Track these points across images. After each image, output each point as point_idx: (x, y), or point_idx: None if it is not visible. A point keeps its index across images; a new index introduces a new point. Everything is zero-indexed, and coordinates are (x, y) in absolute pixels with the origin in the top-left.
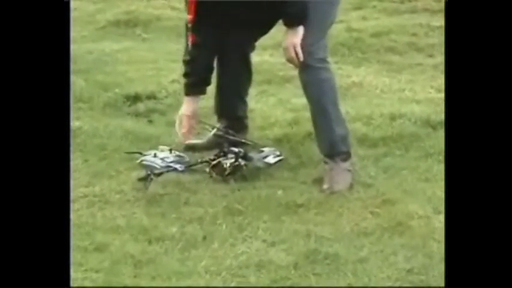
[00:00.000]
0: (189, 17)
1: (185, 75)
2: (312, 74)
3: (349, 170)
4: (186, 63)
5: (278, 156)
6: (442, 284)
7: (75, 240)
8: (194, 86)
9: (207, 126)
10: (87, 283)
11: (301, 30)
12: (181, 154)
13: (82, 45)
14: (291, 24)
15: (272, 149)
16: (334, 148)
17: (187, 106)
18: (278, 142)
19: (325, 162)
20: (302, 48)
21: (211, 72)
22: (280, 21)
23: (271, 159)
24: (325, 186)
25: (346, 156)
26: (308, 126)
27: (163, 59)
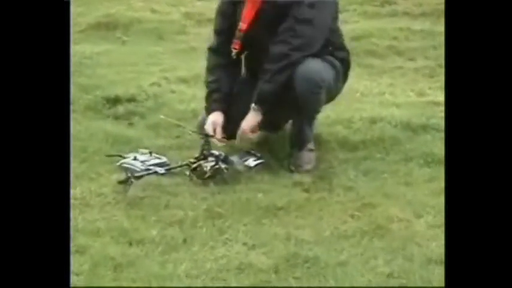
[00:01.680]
0: (235, 46)
1: (210, 92)
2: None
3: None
4: (209, 82)
5: (258, 159)
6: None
7: None
8: (219, 101)
9: (186, 130)
10: None
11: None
12: (161, 157)
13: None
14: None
15: (252, 151)
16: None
17: (217, 116)
18: (258, 145)
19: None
20: None
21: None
22: None
23: (251, 162)
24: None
25: None
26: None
27: (144, 62)
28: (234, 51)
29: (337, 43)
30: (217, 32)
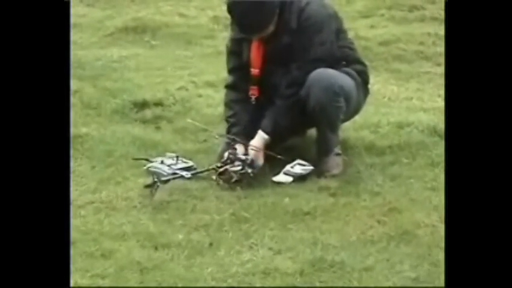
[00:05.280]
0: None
1: (230, 127)
2: None
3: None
4: (228, 117)
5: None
6: None
7: (81, 246)
8: (238, 135)
9: (213, 134)
10: None
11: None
12: (188, 161)
13: (90, 51)
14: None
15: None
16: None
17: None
18: (286, 150)
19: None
20: None
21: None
22: None
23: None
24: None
25: None
26: (314, 134)
27: (171, 66)
28: (253, 98)
29: (350, 57)
30: (231, 71)
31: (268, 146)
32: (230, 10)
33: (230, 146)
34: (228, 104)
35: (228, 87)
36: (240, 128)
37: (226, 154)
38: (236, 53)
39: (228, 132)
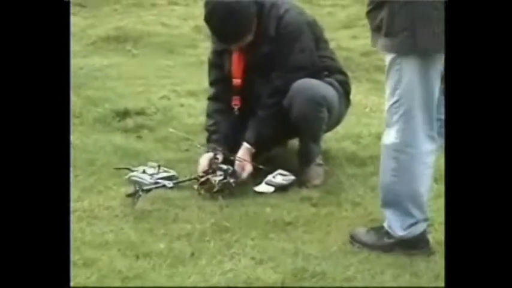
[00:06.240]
0: (236, 103)
1: (210, 135)
2: None
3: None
4: (208, 126)
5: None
6: None
7: None
8: (218, 142)
9: (195, 143)
10: None
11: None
12: (170, 170)
13: (72, 60)
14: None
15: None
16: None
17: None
18: (268, 160)
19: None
20: None
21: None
22: None
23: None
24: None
25: None
26: (296, 144)
27: (153, 75)
28: (236, 108)
29: (332, 67)
30: (213, 83)
31: (252, 157)
32: (207, 20)
33: (212, 155)
34: (209, 114)
35: (210, 98)
36: (220, 136)
37: (205, 161)
38: (217, 65)
39: (208, 140)
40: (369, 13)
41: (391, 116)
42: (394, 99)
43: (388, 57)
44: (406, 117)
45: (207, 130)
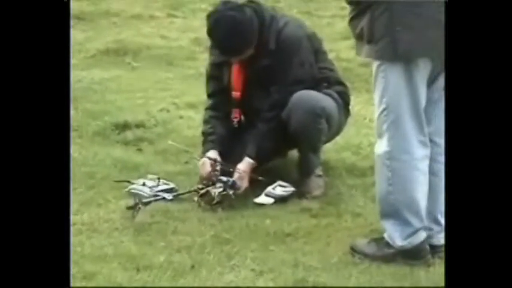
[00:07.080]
0: (236, 115)
1: (206, 137)
2: None
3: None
4: (204, 130)
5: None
6: None
7: None
8: (213, 143)
9: (195, 156)
10: None
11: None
12: (170, 183)
13: (71, 73)
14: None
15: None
16: None
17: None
18: (267, 172)
19: None
20: None
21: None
22: None
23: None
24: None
25: None
26: (296, 155)
27: (153, 88)
28: (236, 121)
29: (331, 78)
30: (211, 95)
31: (253, 169)
32: (210, 33)
33: (211, 166)
34: (206, 120)
35: (208, 108)
36: (215, 137)
37: (206, 164)
38: (215, 78)
39: (204, 142)
40: (351, 21)
41: (381, 125)
42: (382, 107)
43: (374, 66)
44: (395, 125)
45: (203, 134)
